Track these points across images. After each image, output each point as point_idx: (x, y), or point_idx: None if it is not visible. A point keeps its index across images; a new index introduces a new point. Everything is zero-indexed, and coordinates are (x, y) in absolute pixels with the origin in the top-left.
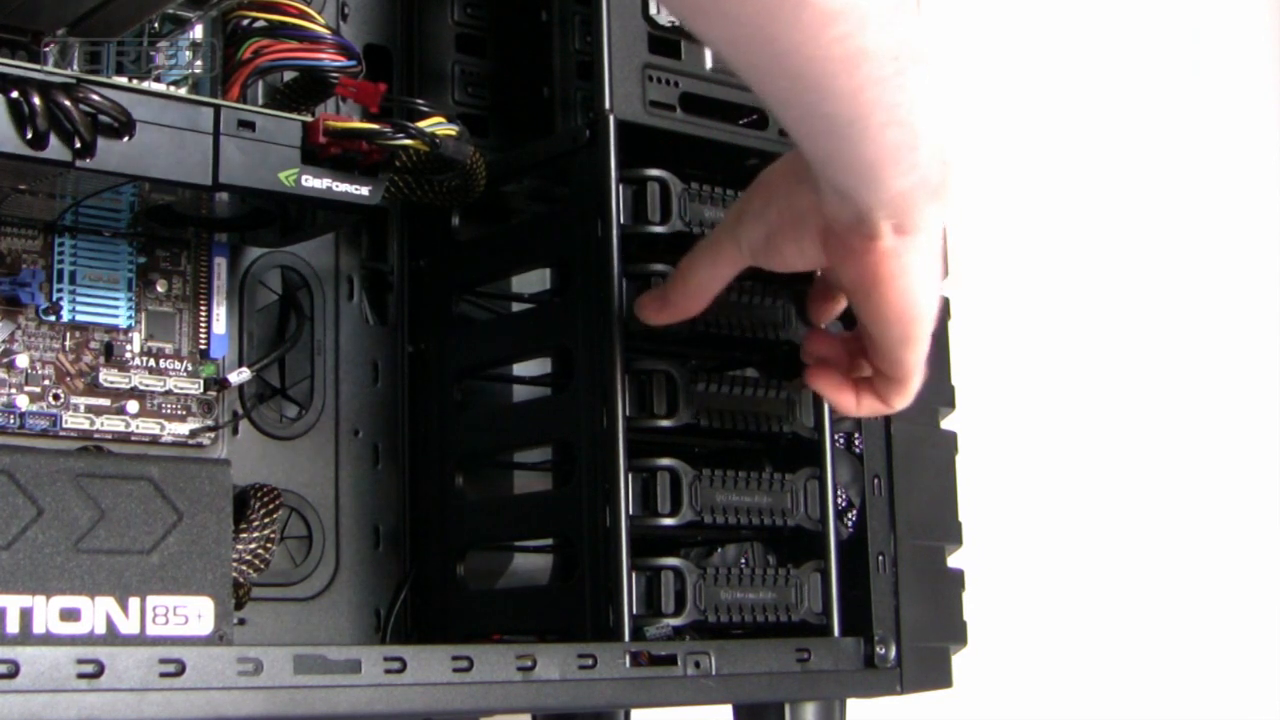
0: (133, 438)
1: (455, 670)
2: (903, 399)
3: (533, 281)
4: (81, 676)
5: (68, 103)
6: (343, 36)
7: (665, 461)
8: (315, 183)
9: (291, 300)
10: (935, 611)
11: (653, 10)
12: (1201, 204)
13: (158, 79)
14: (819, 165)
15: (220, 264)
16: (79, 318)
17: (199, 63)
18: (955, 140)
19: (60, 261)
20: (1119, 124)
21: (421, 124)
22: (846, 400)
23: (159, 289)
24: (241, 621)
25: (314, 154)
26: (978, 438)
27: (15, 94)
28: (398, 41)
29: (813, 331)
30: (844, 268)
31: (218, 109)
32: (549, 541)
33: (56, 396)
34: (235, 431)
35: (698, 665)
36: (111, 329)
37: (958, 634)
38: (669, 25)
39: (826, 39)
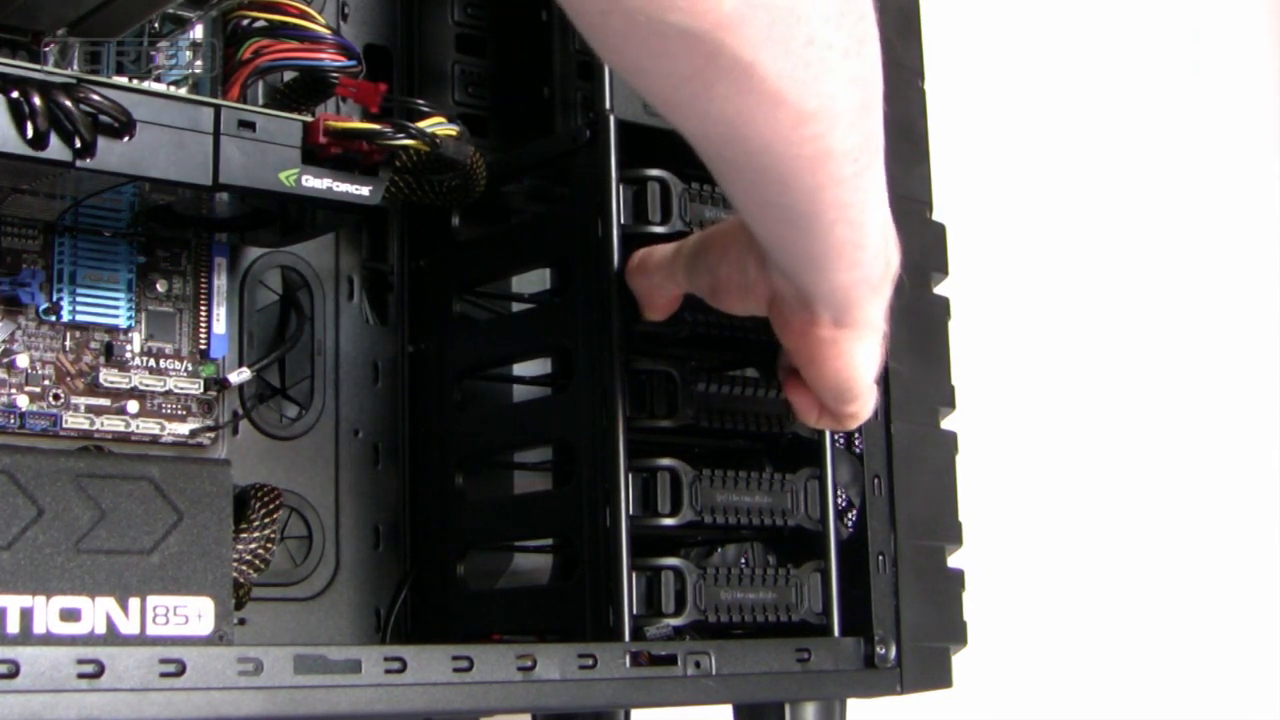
0: (133, 438)
1: (455, 670)
2: (853, 425)
3: (533, 281)
4: (82, 676)
5: (68, 103)
6: (343, 36)
7: (665, 461)
8: (315, 183)
9: (291, 300)
10: (935, 611)
11: None
12: (1201, 204)
13: (158, 79)
14: (768, 247)
15: (220, 264)
16: (79, 318)
17: (199, 63)
18: (896, 240)
19: (60, 261)
20: (1119, 124)
21: (421, 124)
22: (809, 414)
23: (159, 289)
24: (241, 621)
25: (314, 154)
26: (978, 438)
27: (15, 94)
28: (398, 41)
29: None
30: (785, 337)
31: (218, 109)
32: (549, 541)
33: (57, 396)
34: (235, 431)
35: (698, 665)
36: (111, 329)
37: (958, 634)
38: None
39: (798, 138)
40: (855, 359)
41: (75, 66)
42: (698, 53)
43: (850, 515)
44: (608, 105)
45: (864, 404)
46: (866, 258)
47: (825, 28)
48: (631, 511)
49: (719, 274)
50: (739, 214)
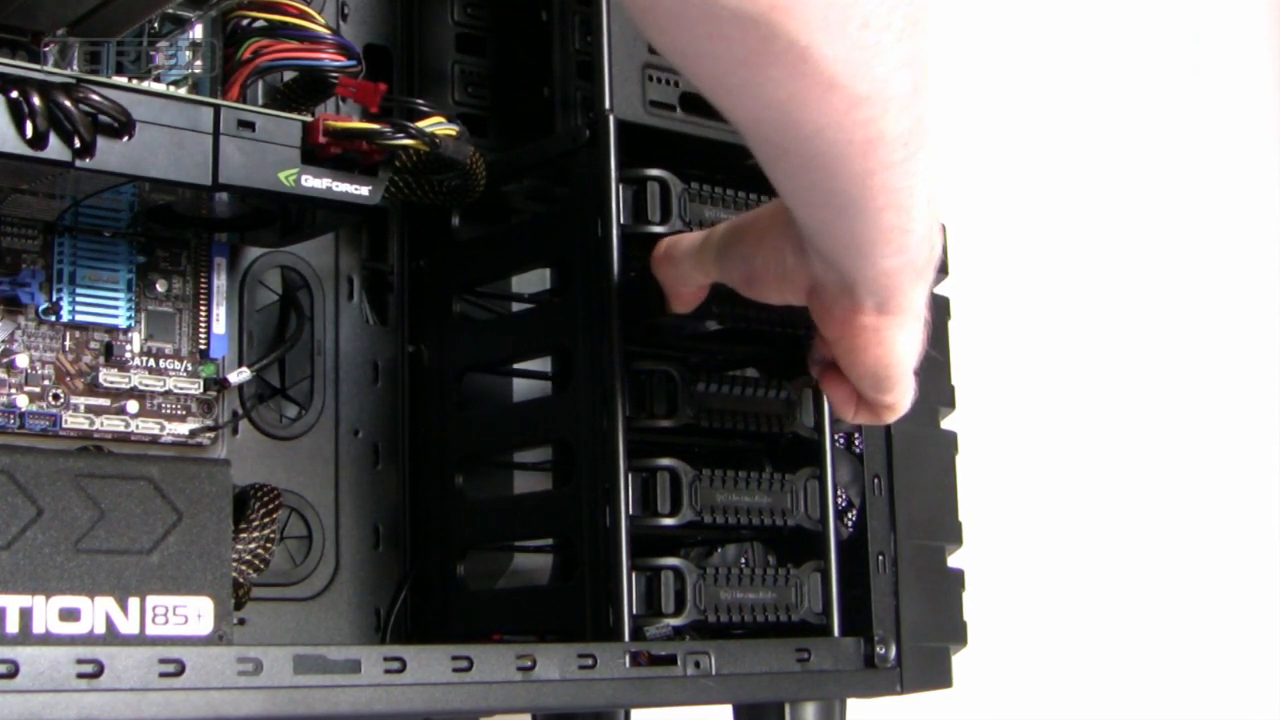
0: (133, 438)
1: (455, 670)
2: (891, 418)
3: (533, 281)
4: (81, 676)
5: (68, 103)
6: (343, 36)
7: (665, 461)
8: (315, 183)
9: (291, 300)
10: (935, 611)
11: None
12: (1202, 203)
13: (158, 79)
14: (810, 233)
15: (220, 264)
16: (79, 318)
17: (199, 63)
18: (943, 223)
19: (60, 261)
20: (1119, 123)
21: (421, 124)
22: (847, 408)
23: (159, 289)
24: (241, 621)
25: (314, 154)
26: (978, 438)
27: (15, 94)
28: (398, 41)
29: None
30: (825, 325)
31: (218, 109)
32: (549, 541)
33: (56, 396)
34: (235, 431)
35: (698, 665)
36: (111, 329)
37: (958, 634)
38: None
39: (850, 123)
40: (897, 346)
41: (75, 66)
42: (752, 36)
43: (850, 515)
44: (608, 105)
45: (904, 393)
46: (912, 243)
47: (880, 9)
48: (631, 511)
49: (754, 262)
50: (779, 200)
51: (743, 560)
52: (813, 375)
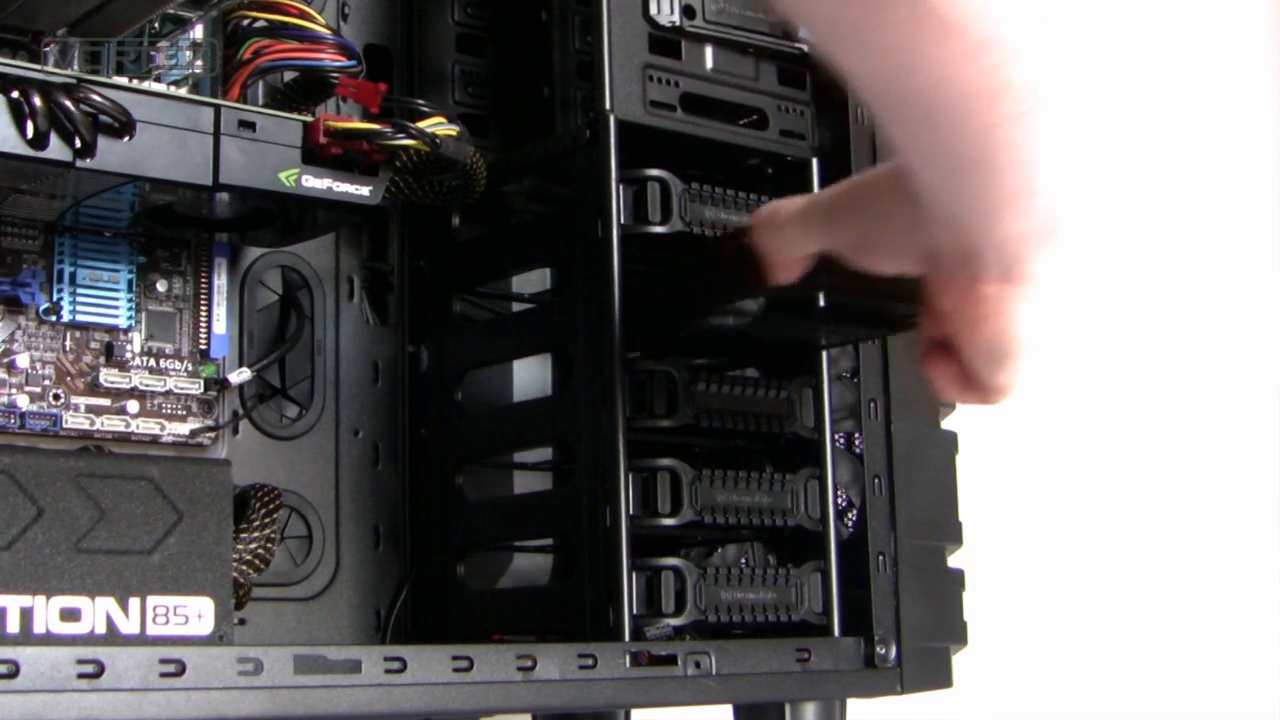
0: (133, 438)
1: (455, 670)
2: (999, 401)
3: (533, 281)
4: (82, 676)
5: (68, 103)
6: (343, 36)
7: (665, 461)
8: (315, 183)
9: (291, 300)
10: (935, 611)
11: (653, 10)
12: (1201, 203)
13: (158, 79)
14: (929, 195)
15: (220, 264)
16: (79, 318)
17: (199, 63)
18: (1088, 185)
19: (60, 261)
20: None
21: (422, 124)
22: (952, 389)
23: (159, 289)
24: (241, 621)
25: (314, 154)
26: (978, 438)
27: (15, 94)
28: (398, 41)
29: (931, 313)
30: (942, 296)
31: (218, 109)
32: (549, 541)
33: (57, 396)
34: (235, 431)
35: (698, 665)
36: (111, 329)
37: (958, 634)
38: (669, 25)
39: (972, 71)
40: (1019, 319)
41: (75, 66)
42: None
43: (850, 515)
44: (608, 105)
45: (1019, 373)
46: (1039, 205)
47: None
48: (631, 511)
49: (869, 228)
50: (895, 161)
51: (743, 560)
52: (920, 357)
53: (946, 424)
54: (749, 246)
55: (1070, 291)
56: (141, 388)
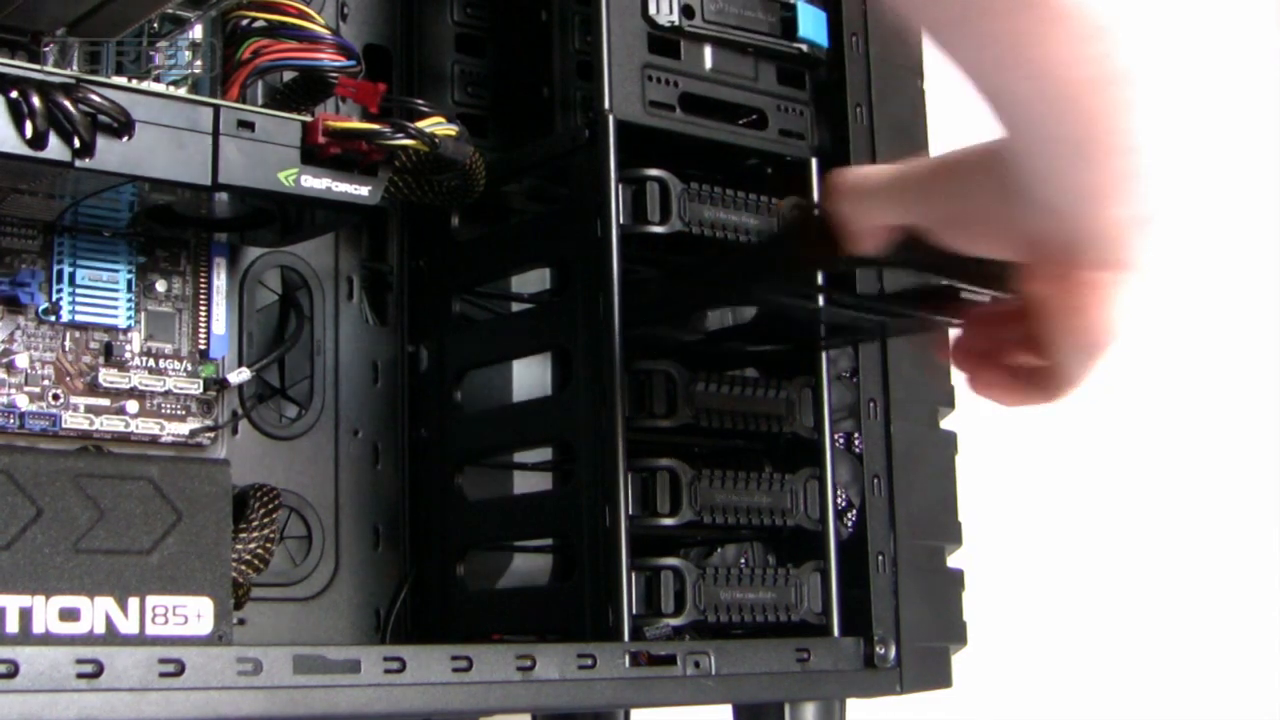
0: (132, 438)
1: (455, 670)
2: (1059, 398)
3: (533, 281)
4: (81, 676)
5: (67, 103)
6: (342, 36)
7: (665, 461)
8: (315, 183)
9: (291, 300)
10: (935, 611)
11: (652, 10)
12: (1201, 203)
13: (157, 79)
14: (1034, 183)
15: (220, 264)
16: (79, 318)
17: (199, 63)
18: (1194, 173)
19: (60, 261)
20: None
21: (421, 124)
22: (1014, 398)
23: (159, 289)
24: (241, 621)
25: (314, 154)
26: (978, 438)
27: (15, 94)
28: (398, 41)
29: (957, 341)
30: (1036, 281)
31: (217, 109)
32: (549, 541)
33: (56, 396)
34: (235, 431)
35: (698, 665)
36: (111, 329)
37: (958, 634)
38: (668, 25)
39: (1080, 59)
40: (1116, 308)
41: (75, 66)
42: None
43: (850, 515)
44: (607, 105)
45: (1098, 366)
46: (1142, 192)
47: None
48: (631, 511)
49: (965, 205)
50: (994, 144)
51: (743, 560)
52: (951, 358)
53: (946, 424)
54: (822, 216)
55: (1167, 282)
56: (141, 388)
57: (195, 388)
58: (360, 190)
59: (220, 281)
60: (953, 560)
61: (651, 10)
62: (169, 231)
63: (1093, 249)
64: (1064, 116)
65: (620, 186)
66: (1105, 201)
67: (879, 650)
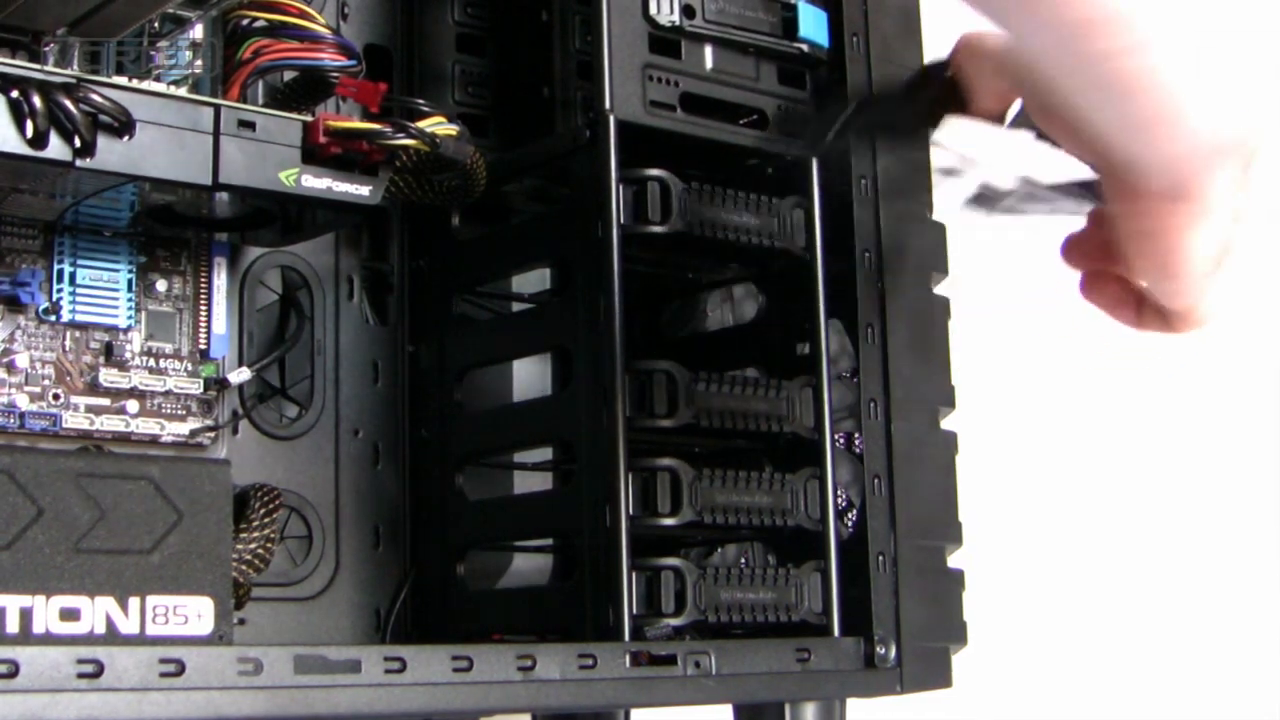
0: (133, 438)
1: (455, 670)
2: (1184, 330)
3: (533, 281)
4: (81, 676)
5: (68, 102)
6: (343, 36)
7: (665, 461)
8: (315, 183)
9: (291, 300)
10: (935, 611)
11: (653, 10)
12: None
13: (158, 79)
14: (1068, 113)
15: (220, 264)
16: (79, 318)
17: (199, 62)
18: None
19: (60, 261)
20: None
21: (421, 124)
22: (1126, 314)
23: (159, 289)
24: (241, 621)
25: (314, 154)
26: (978, 438)
27: (15, 94)
28: (398, 41)
29: (1073, 236)
30: (1113, 199)
31: (218, 109)
32: (549, 541)
33: (56, 396)
34: (235, 431)
35: (698, 665)
36: (111, 329)
37: (958, 634)
38: (669, 25)
39: (1078, 2)
40: (1185, 238)
41: (75, 66)
42: None
43: (850, 515)
44: (608, 105)
45: (1195, 297)
46: (1194, 129)
47: None
48: (631, 511)
49: (1052, 97)
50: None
51: (743, 560)
52: (1080, 287)
53: (946, 424)
54: (951, 74)
55: (1252, 219)
56: (141, 387)
57: (196, 387)
58: (361, 190)
59: (221, 281)
60: (953, 560)
61: (652, 10)
62: (169, 231)
63: (1158, 177)
64: (1078, 57)
65: (621, 186)
66: (1153, 136)
67: (879, 650)
